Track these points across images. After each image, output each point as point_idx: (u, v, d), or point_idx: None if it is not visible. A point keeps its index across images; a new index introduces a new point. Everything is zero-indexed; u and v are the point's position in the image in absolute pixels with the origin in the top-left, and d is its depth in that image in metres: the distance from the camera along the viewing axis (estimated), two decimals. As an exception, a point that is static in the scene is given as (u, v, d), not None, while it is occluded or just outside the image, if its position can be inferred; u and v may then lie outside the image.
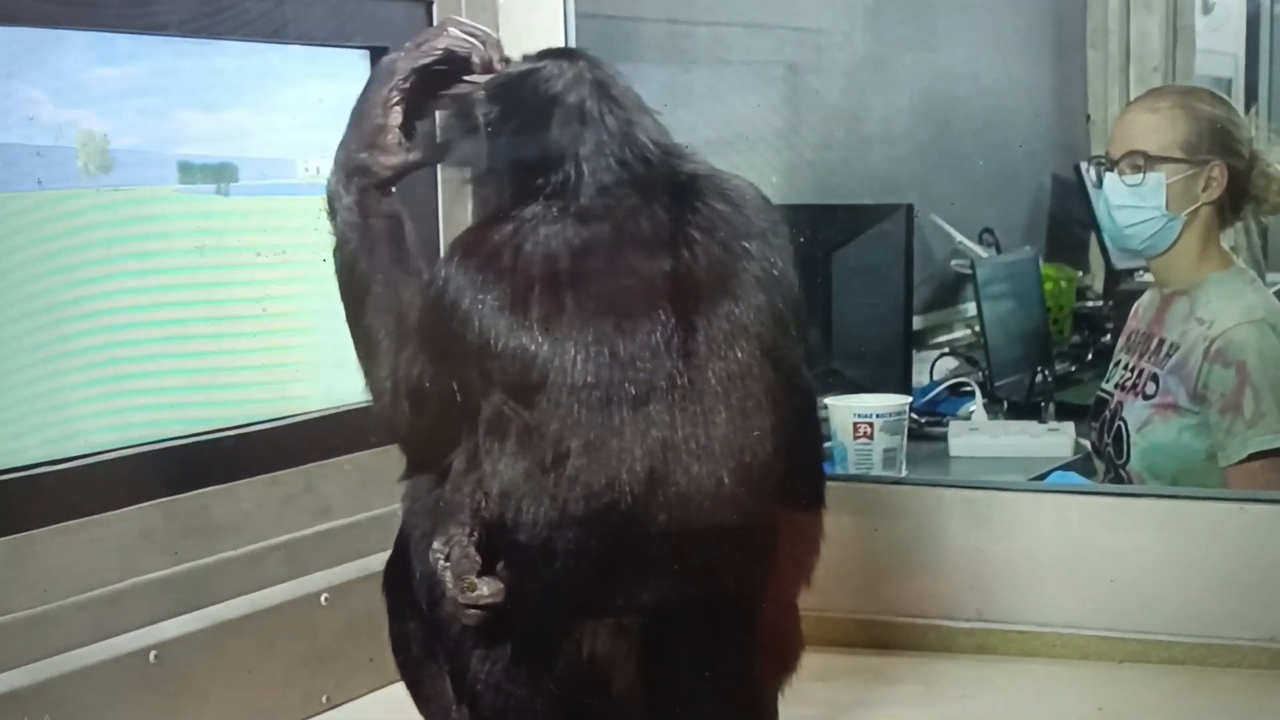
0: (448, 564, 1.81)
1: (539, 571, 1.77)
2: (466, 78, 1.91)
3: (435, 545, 1.83)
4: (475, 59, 1.92)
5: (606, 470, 1.74)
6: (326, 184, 1.96)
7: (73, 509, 2.00)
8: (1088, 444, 3.36)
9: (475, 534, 1.81)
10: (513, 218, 1.79)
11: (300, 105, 2.37)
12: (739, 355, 1.79)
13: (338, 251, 1.95)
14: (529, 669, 1.83)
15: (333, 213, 1.95)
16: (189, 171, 2.20)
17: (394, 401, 1.88)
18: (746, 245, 1.84)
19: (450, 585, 1.81)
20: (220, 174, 2.24)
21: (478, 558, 1.79)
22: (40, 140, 1.99)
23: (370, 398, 1.93)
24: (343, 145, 1.95)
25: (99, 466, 2.05)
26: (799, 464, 1.90)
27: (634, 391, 1.74)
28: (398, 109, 1.93)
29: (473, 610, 1.80)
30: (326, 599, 2.25)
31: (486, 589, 1.79)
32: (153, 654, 2.02)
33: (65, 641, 1.96)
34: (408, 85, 1.93)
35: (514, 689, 1.83)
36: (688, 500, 1.76)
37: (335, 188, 1.95)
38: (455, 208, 2.38)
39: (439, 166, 2.19)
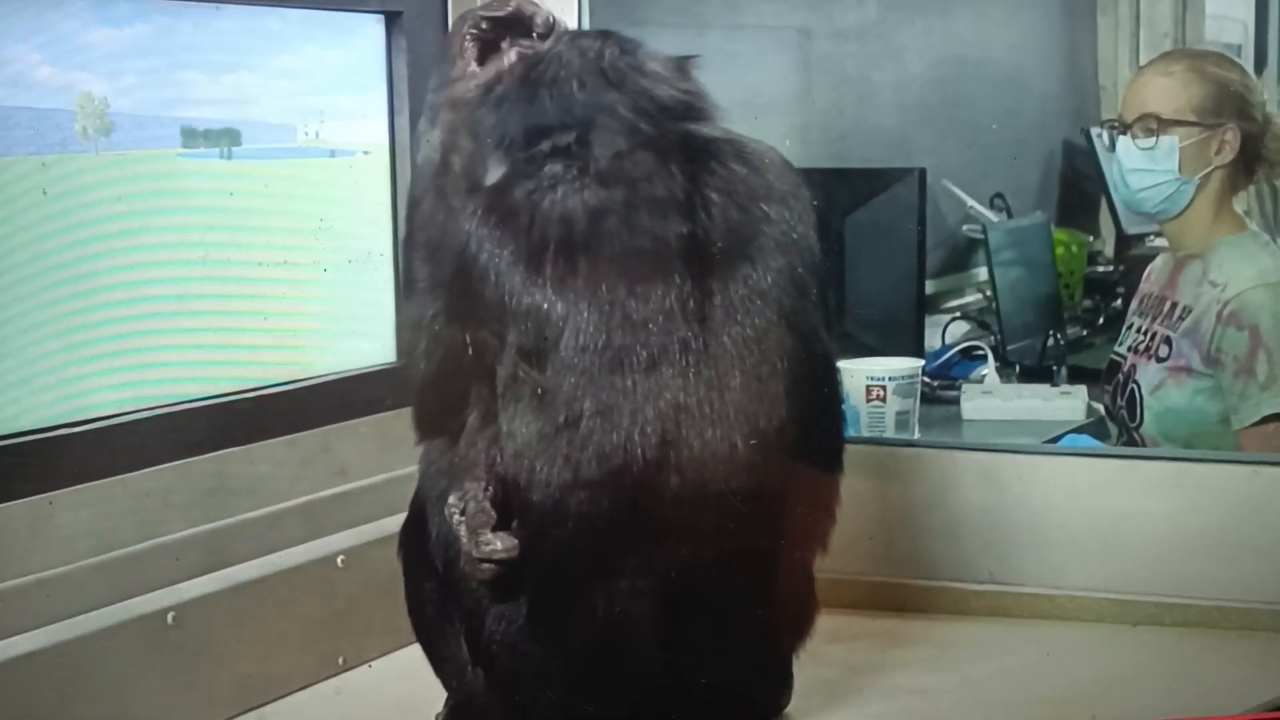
0: (462, 518, 1.82)
1: (553, 532, 1.78)
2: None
3: (450, 500, 1.83)
4: (539, 20, 1.97)
5: (619, 433, 1.74)
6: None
7: (90, 471, 2.00)
8: (1100, 407, 3.36)
9: (490, 489, 1.81)
10: (533, 177, 1.80)
11: (300, 70, 2.36)
12: (755, 320, 1.80)
13: (412, 187, 1.97)
14: (544, 630, 1.83)
15: (416, 150, 1.99)
16: (192, 136, 2.19)
17: (411, 349, 1.90)
18: (765, 208, 1.84)
19: (465, 539, 1.81)
20: (224, 138, 2.23)
21: (493, 512, 1.80)
22: (39, 103, 1.98)
23: (401, 348, 1.94)
24: (431, 88, 1.99)
25: (116, 429, 2.05)
26: (816, 429, 1.90)
27: (647, 355, 1.75)
28: (472, 49, 1.96)
29: (486, 565, 1.80)
30: (343, 561, 2.25)
31: (500, 544, 1.79)
32: (170, 615, 2.02)
33: (83, 603, 1.96)
34: (480, 31, 1.96)
35: (529, 650, 1.84)
36: (701, 464, 1.77)
37: (422, 126, 1.97)
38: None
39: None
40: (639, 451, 1.74)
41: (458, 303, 1.83)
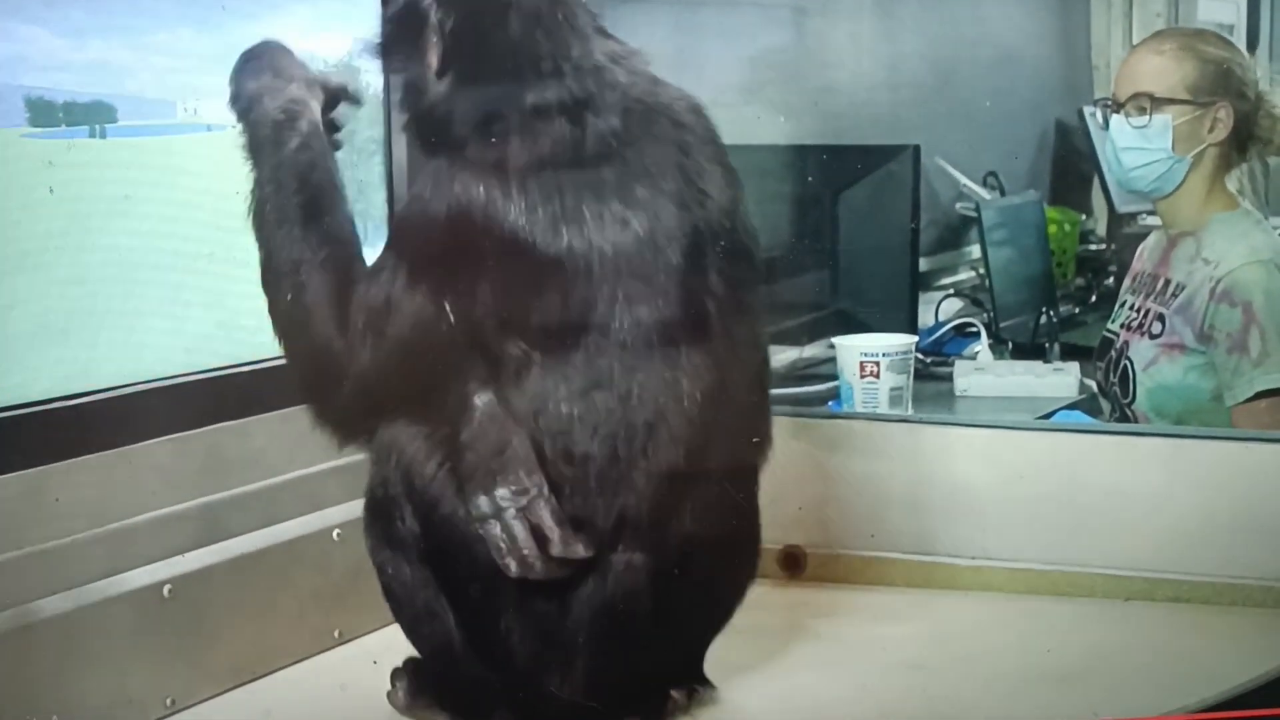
0: (518, 514, 1.79)
1: None
2: None
3: (501, 492, 1.81)
4: None
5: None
6: (247, 123, 1.98)
7: (87, 444, 2.00)
8: (1093, 384, 3.37)
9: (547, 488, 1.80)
10: (457, 154, 1.81)
11: (175, 48, 2.22)
12: (661, 276, 1.81)
13: (256, 188, 1.97)
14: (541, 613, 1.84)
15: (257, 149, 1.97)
16: (45, 110, 2.02)
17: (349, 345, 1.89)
18: (681, 163, 1.85)
19: (521, 537, 1.79)
20: (92, 114, 2.08)
21: (563, 511, 1.80)
22: None
23: (301, 347, 1.93)
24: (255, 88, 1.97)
25: (113, 402, 2.06)
26: (732, 383, 1.90)
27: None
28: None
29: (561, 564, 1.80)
30: (339, 534, 2.25)
31: (583, 547, 1.80)
32: (166, 588, 2.03)
33: (79, 576, 1.97)
34: None
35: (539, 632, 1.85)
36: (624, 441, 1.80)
37: (258, 119, 1.97)
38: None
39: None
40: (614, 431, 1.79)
41: (429, 283, 1.83)
